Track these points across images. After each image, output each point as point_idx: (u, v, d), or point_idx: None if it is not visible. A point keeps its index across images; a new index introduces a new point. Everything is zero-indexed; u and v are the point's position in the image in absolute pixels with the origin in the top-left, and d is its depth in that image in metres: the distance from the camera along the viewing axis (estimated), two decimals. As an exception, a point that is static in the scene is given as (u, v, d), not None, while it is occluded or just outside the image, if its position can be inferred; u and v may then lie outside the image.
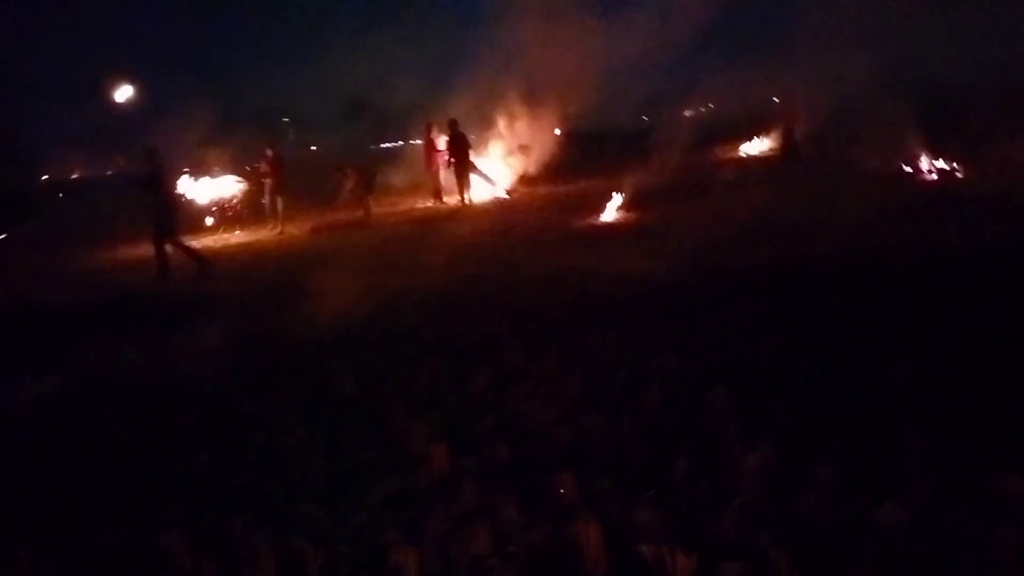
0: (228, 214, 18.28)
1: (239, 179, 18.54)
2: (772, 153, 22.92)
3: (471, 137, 20.25)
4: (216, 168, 18.81)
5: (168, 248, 12.25)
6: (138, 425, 5.39)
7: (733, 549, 3.29)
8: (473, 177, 19.58)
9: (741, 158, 24.86)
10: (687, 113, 35.34)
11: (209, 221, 18.09)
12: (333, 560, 3.50)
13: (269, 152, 17.51)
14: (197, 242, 15.45)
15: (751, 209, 13.42)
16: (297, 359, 6.60)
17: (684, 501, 3.71)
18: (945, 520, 3.38)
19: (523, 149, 21.71)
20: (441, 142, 19.74)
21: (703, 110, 34.62)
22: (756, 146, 26.21)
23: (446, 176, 19.80)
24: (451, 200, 19.46)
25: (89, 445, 5.11)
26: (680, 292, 7.75)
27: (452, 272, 9.95)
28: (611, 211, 14.08)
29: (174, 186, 12.84)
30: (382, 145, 45.20)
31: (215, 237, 16.69)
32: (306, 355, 6.70)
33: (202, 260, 12.34)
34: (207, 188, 18.37)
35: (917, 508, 3.45)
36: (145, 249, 12.85)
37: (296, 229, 16.81)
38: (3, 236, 20.24)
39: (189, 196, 18.18)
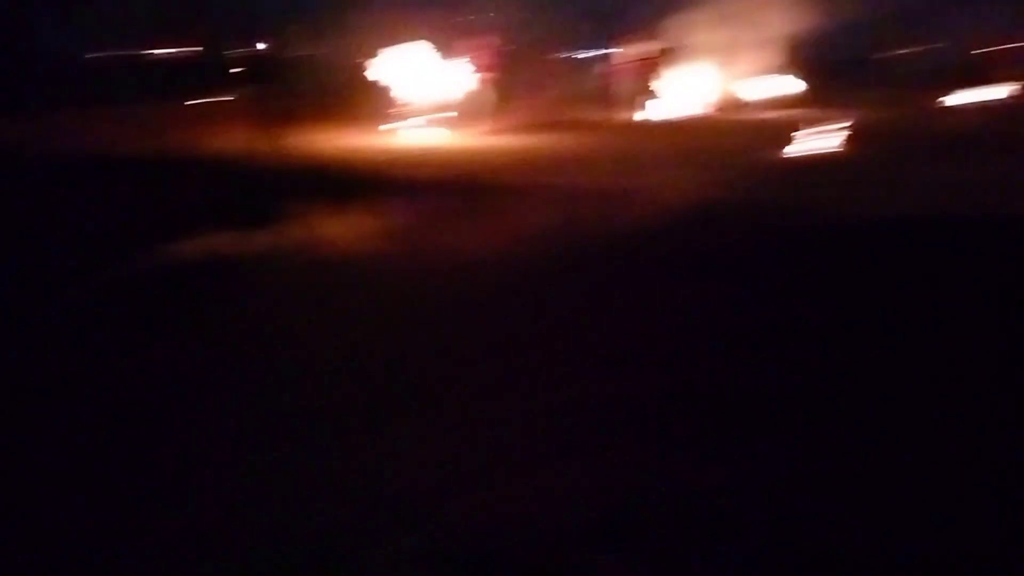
0: (449, 113, 16.01)
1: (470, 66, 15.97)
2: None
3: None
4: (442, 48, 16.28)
5: None
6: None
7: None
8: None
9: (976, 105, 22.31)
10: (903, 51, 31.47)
11: (422, 120, 16.04)
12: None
13: (491, 41, 15.98)
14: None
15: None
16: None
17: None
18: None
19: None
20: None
21: (925, 48, 30.39)
22: (983, 94, 23.56)
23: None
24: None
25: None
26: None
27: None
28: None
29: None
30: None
31: (421, 142, 15.20)
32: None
33: None
34: (433, 75, 15.99)
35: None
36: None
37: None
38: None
39: (407, 84, 16.26)
